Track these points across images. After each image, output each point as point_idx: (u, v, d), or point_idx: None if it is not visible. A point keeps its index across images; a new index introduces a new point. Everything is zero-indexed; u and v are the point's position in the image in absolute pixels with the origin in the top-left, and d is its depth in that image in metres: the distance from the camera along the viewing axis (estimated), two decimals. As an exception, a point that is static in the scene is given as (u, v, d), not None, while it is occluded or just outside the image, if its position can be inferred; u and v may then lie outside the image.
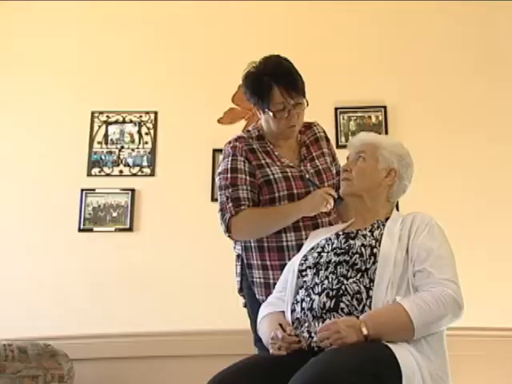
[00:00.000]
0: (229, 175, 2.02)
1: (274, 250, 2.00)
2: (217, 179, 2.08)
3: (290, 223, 1.98)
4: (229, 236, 2.03)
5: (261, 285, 2.02)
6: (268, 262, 2.01)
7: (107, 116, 3.18)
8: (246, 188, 2.01)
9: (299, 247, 1.92)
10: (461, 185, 2.97)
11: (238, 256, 2.13)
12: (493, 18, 3.20)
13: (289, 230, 2.00)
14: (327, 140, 2.21)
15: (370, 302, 1.56)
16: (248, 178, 2.02)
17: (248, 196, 2.00)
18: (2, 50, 3.28)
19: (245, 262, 2.08)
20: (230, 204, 1.99)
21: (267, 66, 2.01)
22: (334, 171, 2.14)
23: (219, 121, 3.16)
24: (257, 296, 2.03)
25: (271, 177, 2.01)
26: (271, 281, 1.98)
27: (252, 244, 2.05)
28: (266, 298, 1.88)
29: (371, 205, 1.80)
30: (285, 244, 2.00)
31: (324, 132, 2.22)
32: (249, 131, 2.14)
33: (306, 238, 1.94)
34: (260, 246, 2.03)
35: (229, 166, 2.04)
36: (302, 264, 1.75)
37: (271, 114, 2.00)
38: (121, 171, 3.12)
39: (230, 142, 2.09)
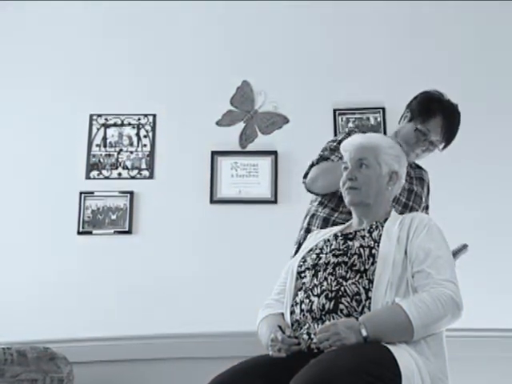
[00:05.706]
0: (334, 144, 2.18)
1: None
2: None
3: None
4: (303, 183, 2.16)
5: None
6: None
7: (106, 119, 3.18)
8: (337, 156, 2.09)
9: None
10: (460, 186, 2.96)
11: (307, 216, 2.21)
12: (492, 18, 3.20)
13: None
14: (428, 189, 2.29)
15: (369, 303, 1.56)
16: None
17: (336, 160, 2.10)
18: (-1, 51, 3.28)
19: (305, 226, 2.16)
20: (318, 158, 2.15)
21: (451, 104, 2.18)
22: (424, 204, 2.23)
23: (218, 123, 3.16)
24: None
25: None
26: None
27: (320, 214, 2.13)
28: None
29: (375, 209, 1.80)
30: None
31: (429, 182, 2.31)
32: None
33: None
34: (327, 217, 2.11)
35: (338, 138, 2.19)
36: (300, 266, 1.75)
37: (416, 128, 2.12)
38: (119, 174, 3.11)
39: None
